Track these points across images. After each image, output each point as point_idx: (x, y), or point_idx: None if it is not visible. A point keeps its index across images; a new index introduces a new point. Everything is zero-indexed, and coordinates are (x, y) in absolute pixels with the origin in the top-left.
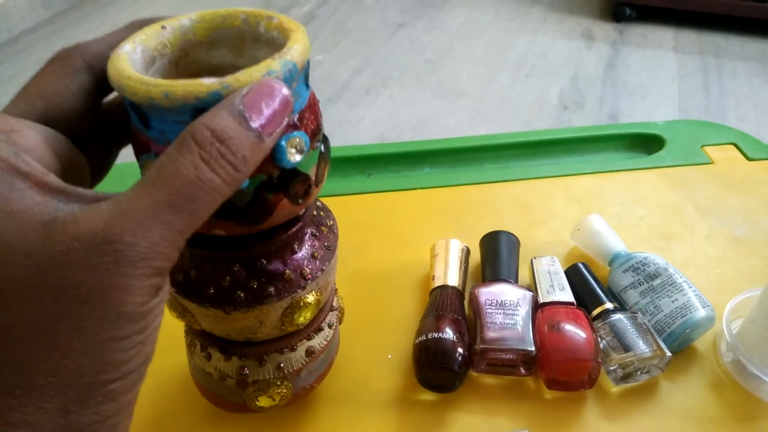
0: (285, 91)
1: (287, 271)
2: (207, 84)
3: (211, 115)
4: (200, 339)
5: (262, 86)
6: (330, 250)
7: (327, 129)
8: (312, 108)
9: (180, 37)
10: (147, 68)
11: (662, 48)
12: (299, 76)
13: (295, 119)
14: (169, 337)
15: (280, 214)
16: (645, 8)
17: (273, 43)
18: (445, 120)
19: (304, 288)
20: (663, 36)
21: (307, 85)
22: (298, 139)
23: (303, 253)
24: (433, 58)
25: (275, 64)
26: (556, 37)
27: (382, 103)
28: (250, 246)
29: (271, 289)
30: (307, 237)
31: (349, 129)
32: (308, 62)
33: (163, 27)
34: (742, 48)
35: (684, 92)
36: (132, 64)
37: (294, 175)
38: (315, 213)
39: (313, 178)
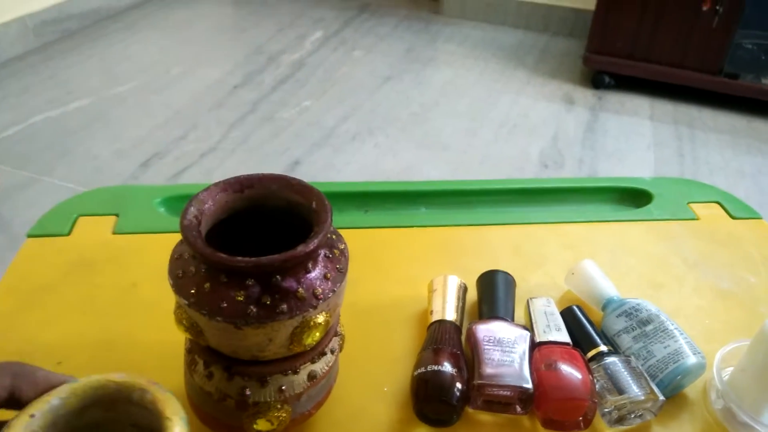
0: None
1: (300, 289)
2: None
3: None
4: (204, 356)
5: None
6: (341, 272)
7: (312, 173)
8: None
9: (50, 417)
10: None
11: (639, 116)
12: None
13: None
14: (161, 358)
15: None
16: (623, 77)
17: (146, 407)
18: (429, 170)
19: (315, 307)
20: (640, 104)
21: None
22: None
23: (316, 272)
24: (419, 111)
25: None
26: (538, 99)
27: (368, 151)
28: (268, 260)
29: (284, 306)
30: (320, 258)
31: (333, 174)
32: None
33: (32, 416)
34: (714, 121)
35: (659, 158)
36: None
37: None
38: (328, 236)
39: None
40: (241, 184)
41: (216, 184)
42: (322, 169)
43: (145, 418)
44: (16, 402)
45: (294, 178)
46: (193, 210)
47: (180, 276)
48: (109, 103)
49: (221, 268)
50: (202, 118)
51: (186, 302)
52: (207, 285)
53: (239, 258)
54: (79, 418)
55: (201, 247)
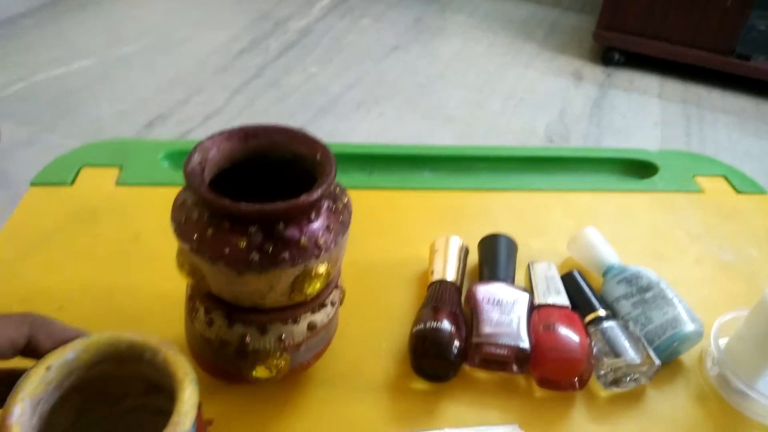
0: None
1: (303, 238)
2: None
3: None
4: (205, 303)
5: None
6: (344, 225)
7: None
8: None
9: (65, 370)
10: (34, 413)
11: (647, 94)
12: None
13: None
14: (161, 307)
15: None
16: (633, 55)
17: (156, 367)
18: (433, 142)
19: (317, 257)
20: (649, 83)
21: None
22: None
23: (319, 223)
24: (425, 82)
25: None
26: (546, 73)
27: (372, 120)
28: (272, 207)
29: (286, 254)
30: (324, 209)
31: (339, 141)
32: (199, 405)
33: (48, 368)
34: (723, 101)
35: (666, 138)
36: (23, 430)
37: None
38: (332, 189)
39: None
40: (246, 134)
41: (221, 133)
42: (326, 136)
43: (154, 375)
44: (33, 351)
45: (299, 130)
46: (197, 157)
47: (183, 222)
48: (113, 64)
49: (224, 214)
50: (207, 82)
51: (188, 247)
52: (210, 231)
53: (243, 204)
54: (90, 371)
55: (205, 192)
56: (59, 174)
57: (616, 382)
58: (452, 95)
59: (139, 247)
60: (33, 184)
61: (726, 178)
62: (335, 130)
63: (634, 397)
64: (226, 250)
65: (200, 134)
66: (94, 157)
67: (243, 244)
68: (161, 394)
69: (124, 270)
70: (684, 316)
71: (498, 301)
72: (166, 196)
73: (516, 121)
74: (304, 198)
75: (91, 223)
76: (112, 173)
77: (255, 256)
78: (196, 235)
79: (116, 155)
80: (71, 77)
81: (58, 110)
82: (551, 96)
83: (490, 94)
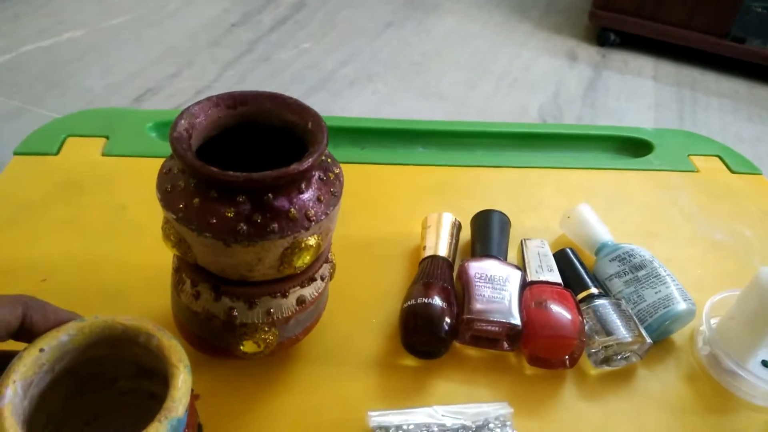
0: None
1: (292, 209)
2: None
3: None
4: (191, 275)
5: None
6: (335, 196)
7: None
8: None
9: (58, 352)
10: (25, 395)
11: (642, 76)
12: (183, 418)
13: None
14: (148, 280)
15: None
16: (628, 36)
17: (150, 351)
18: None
19: (307, 229)
20: (643, 64)
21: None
22: None
23: (309, 194)
24: (419, 59)
25: (162, 428)
26: (541, 53)
27: (366, 97)
28: (260, 176)
29: (275, 225)
30: (314, 179)
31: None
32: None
33: (42, 350)
34: (717, 84)
35: (659, 120)
36: (14, 413)
37: None
38: (323, 159)
39: None
40: (235, 100)
41: (209, 99)
42: (319, 112)
43: (148, 360)
44: (27, 332)
45: (290, 97)
46: (183, 123)
47: (168, 190)
48: (102, 36)
49: (211, 183)
50: (198, 56)
51: (174, 217)
52: (196, 200)
53: (230, 173)
54: (83, 354)
55: (191, 160)
56: (44, 143)
57: (606, 360)
58: (446, 73)
59: (125, 219)
60: (16, 153)
61: (721, 158)
62: (327, 108)
63: (625, 375)
64: (213, 220)
65: None
66: (79, 126)
67: (230, 214)
68: (154, 379)
69: (109, 241)
70: (676, 295)
71: (490, 277)
72: (154, 167)
73: (509, 101)
74: (294, 167)
75: (76, 194)
76: (98, 143)
77: (243, 226)
78: (182, 204)
79: (102, 125)
80: (60, 49)
81: (45, 83)
82: (545, 76)
83: (483, 73)
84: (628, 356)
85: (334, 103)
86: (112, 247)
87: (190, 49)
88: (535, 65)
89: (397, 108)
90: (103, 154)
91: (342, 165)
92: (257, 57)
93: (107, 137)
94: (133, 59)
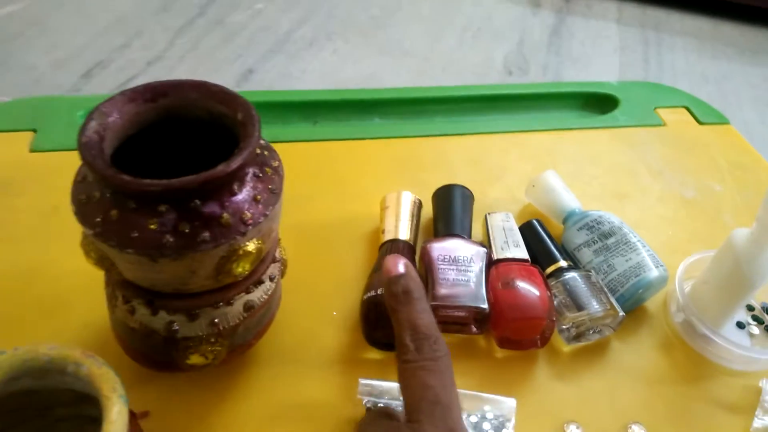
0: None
1: (225, 214)
2: None
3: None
4: (122, 290)
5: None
6: (275, 193)
7: (268, 81)
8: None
9: None
10: None
11: (606, 19)
12: None
13: None
14: (88, 289)
15: None
16: None
17: (81, 380)
18: (391, 78)
19: (244, 234)
20: (607, 7)
21: None
22: None
23: (244, 195)
24: (379, 14)
25: None
26: (503, 1)
27: (326, 58)
28: (182, 182)
29: (206, 234)
30: (248, 177)
31: (290, 83)
32: (130, 417)
33: None
34: (681, 23)
35: (624, 63)
36: None
37: None
38: (258, 152)
39: None
40: (154, 92)
41: (122, 93)
42: (277, 78)
43: (80, 386)
44: None
45: (216, 85)
46: (93, 125)
47: (84, 201)
48: (44, 8)
49: (127, 193)
50: (147, 24)
51: (91, 232)
52: (114, 212)
53: (146, 180)
54: (9, 387)
55: (101, 168)
56: None
57: (578, 336)
58: (408, 28)
59: (59, 221)
60: None
61: (688, 109)
62: (287, 72)
63: (598, 349)
64: (135, 234)
65: (143, 81)
66: (3, 120)
67: (154, 226)
68: (94, 402)
69: (43, 247)
70: (648, 261)
71: (454, 258)
72: None
73: (474, 54)
74: (221, 169)
75: (4, 196)
76: (25, 138)
77: (169, 238)
78: (99, 218)
79: (29, 117)
80: None
81: None
82: (509, 25)
83: (446, 25)
84: (601, 330)
85: (293, 65)
86: (45, 253)
87: (138, 17)
88: (497, 13)
89: (360, 67)
90: (32, 150)
91: (293, 144)
92: (209, 20)
93: (35, 130)
94: (78, 31)
